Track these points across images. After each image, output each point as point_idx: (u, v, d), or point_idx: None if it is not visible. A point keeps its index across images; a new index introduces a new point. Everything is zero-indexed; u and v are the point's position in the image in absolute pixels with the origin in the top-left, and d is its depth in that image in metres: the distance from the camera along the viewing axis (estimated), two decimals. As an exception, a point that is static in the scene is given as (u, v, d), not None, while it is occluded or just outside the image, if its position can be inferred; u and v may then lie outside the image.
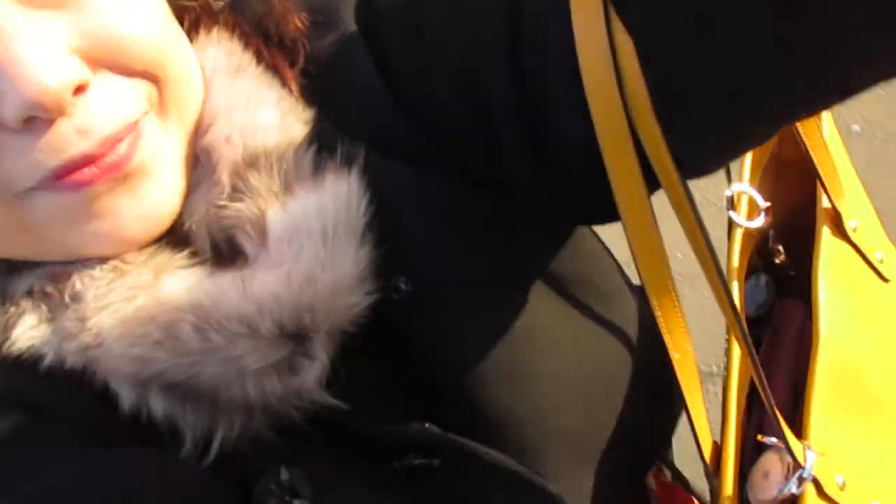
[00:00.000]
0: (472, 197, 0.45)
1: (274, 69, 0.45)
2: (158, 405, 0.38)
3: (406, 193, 0.44)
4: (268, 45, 0.46)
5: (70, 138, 0.35)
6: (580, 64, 0.37)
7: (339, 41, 0.46)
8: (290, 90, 0.45)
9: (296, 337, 0.38)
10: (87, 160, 0.35)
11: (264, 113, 0.42)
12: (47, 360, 0.38)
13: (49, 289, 0.39)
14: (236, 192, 0.41)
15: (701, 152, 0.39)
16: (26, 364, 0.38)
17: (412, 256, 0.43)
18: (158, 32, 0.39)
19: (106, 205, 0.37)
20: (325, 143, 0.43)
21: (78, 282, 0.39)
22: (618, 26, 0.35)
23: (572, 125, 0.39)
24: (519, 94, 0.40)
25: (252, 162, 0.41)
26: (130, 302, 0.38)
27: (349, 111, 0.45)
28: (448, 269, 0.44)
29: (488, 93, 0.41)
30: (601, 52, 0.36)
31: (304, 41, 0.46)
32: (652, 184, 0.38)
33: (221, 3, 0.48)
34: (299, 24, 0.46)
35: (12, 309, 0.39)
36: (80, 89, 0.34)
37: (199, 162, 0.42)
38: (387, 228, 0.42)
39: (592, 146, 0.38)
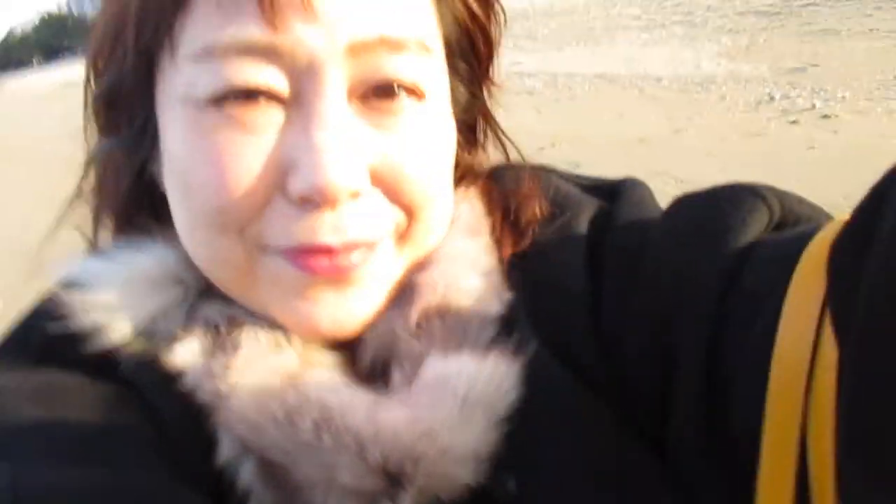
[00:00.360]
0: (619, 434, 0.45)
1: (498, 243, 0.50)
2: (247, 473, 0.41)
3: (557, 403, 0.45)
4: (504, 219, 0.52)
5: (325, 229, 0.41)
6: (774, 362, 0.37)
7: (565, 238, 0.50)
8: (503, 265, 0.49)
9: (393, 478, 0.40)
10: (327, 251, 0.41)
11: (473, 278, 0.48)
12: (185, 384, 0.43)
13: (222, 329, 0.44)
14: (417, 329, 0.46)
15: (871, 496, 0.34)
16: (168, 376, 0.43)
17: (535, 466, 0.43)
18: (439, 176, 0.45)
19: (315, 293, 0.43)
20: (508, 323, 0.47)
21: (245, 335, 0.44)
22: (827, 338, 0.35)
23: (750, 418, 0.38)
24: (706, 372, 0.41)
25: (443, 313, 0.46)
26: (273, 375, 0.43)
27: (545, 303, 0.48)
28: (562, 494, 0.43)
29: (677, 362, 0.42)
30: (800, 360, 0.36)
31: (535, 228, 0.51)
32: None
33: (485, 167, 0.55)
34: (537, 212, 0.51)
35: (188, 329, 0.44)
36: (354, 195, 0.41)
37: (403, 291, 0.47)
38: (524, 426, 0.43)
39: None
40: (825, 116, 5.23)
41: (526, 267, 0.49)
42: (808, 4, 9.01)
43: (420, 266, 0.47)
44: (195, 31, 0.41)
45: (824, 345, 0.35)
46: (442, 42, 0.47)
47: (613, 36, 10.24)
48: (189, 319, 0.45)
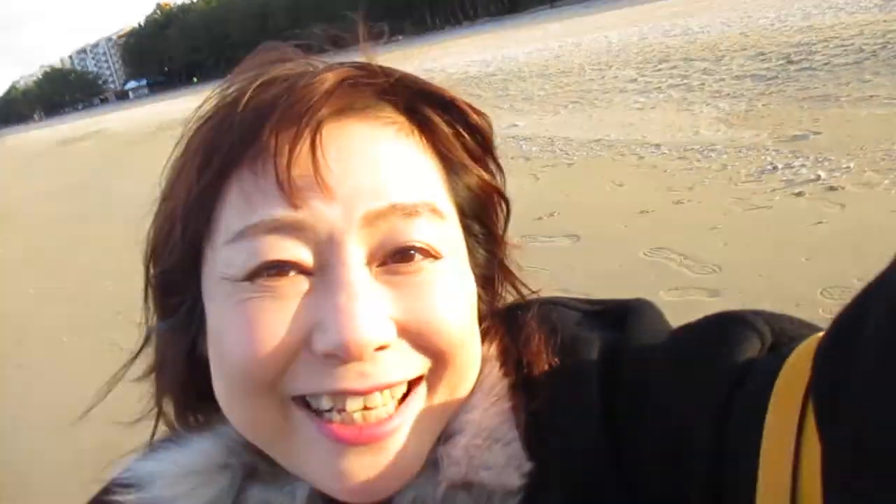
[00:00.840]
0: None
1: (515, 408, 0.52)
2: None
3: None
4: (518, 382, 0.53)
5: (351, 375, 0.44)
6: (760, 477, 0.39)
7: (576, 389, 0.51)
8: (521, 428, 0.51)
9: None
10: (354, 393, 0.45)
11: (495, 452, 0.49)
12: None
13: None
14: (443, 502, 0.48)
15: None
16: None
17: None
18: (465, 325, 0.48)
19: (347, 462, 0.46)
20: (530, 494, 0.49)
21: None
22: (810, 436, 0.37)
23: None
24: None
25: (467, 486, 0.49)
26: None
27: (565, 463, 0.49)
28: None
29: (688, 496, 0.44)
30: (783, 473, 0.38)
31: (544, 386, 0.52)
32: None
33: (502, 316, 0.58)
34: (547, 366, 0.53)
35: None
36: (380, 348, 0.45)
37: (432, 461, 0.49)
38: None
39: None
40: (831, 188, 5.06)
41: (542, 423, 0.51)
42: (805, 69, 8.97)
43: (447, 435, 0.50)
44: (229, 220, 0.47)
45: (807, 443, 0.37)
46: (455, 207, 0.52)
47: (610, 99, 10.19)
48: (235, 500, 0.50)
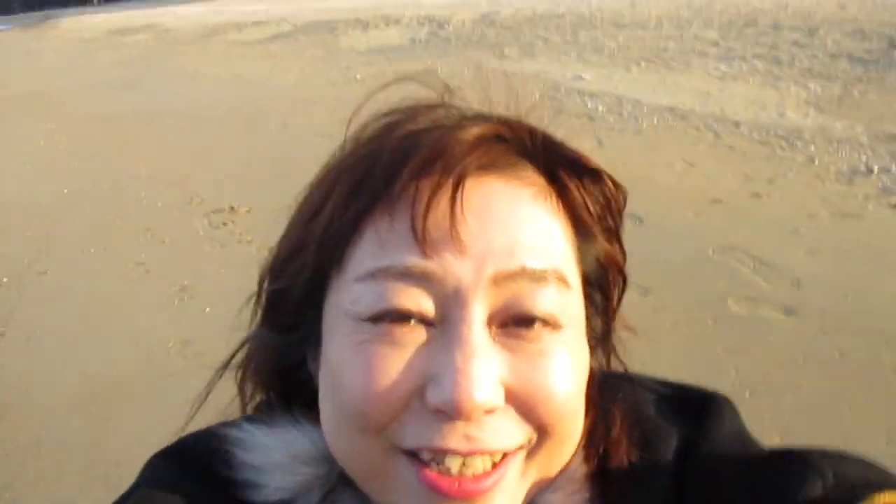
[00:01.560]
0: None
1: (590, 500, 0.54)
2: None
3: None
4: (594, 468, 0.55)
5: (456, 436, 0.45)
6: None
7: (651, 478, 0.54)
8: None
9: None
10: (456, 453, 0.46)
11: None
12: None
13: None
14: None
15: None
16: None
17: None
18: (574, 400, 0.49)
19: None
20: None
21: None
22: None
23: None
24: None
25: None
26: None
27: None
28: None
29: None
30: None
31: (621, 478, 0.54)
32: None
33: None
34: (625, 460, 0.55)
35: None
36: (489, 412, 0.46)
37: None
38: None
39: None
40: (934, 205, 4.54)
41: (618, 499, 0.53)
42: (911, 56, 8.18)
43: None
44: (362, 258, 0.49)
45: None
46: (580, 277, 0.53)
47: (688, 61, 9.48)
48: (325, 501, 0.52)
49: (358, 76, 12.10)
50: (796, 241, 4.34)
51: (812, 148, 5.78)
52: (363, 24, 20.08)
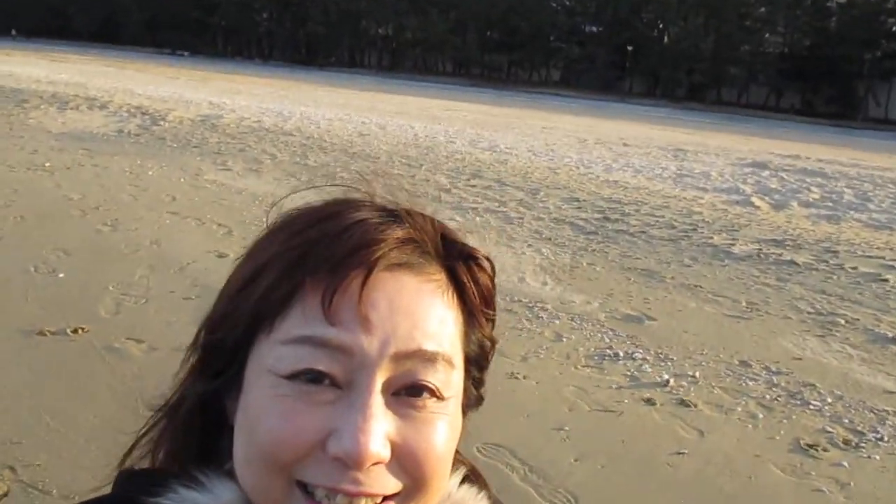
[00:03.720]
0: None
1: None
2: None
3: None
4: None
5: (347, 479, 0.55)
6: None
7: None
8: None
9: None
10: (346, 493, 0.55)
11: None
12: None
13: None
14: None
15: None
16: None
17: None
18: (445, 460, 0.59)
19: None
20: None
21: None
22: None
23: None
24: None
25: None
26: None
27: None
28: None
29: None
30: None
31: None
32: None
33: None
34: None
35: None
36: (376, 463, 0.55)
37: None
38: None
39: None
40: (683, 403, 4.43)
41: None
42: (623, 231, 8.82)
43: None
44: (289, 326, 0.57)
45: None
46: (463, 356, 0.63)
47: (423, 206, 9.32)
48: None
49: (47, 164, 10.16)
50: (564, 441, 3.88)
51: (557, 322, 5.61)
52: (61, 102, 17.63)
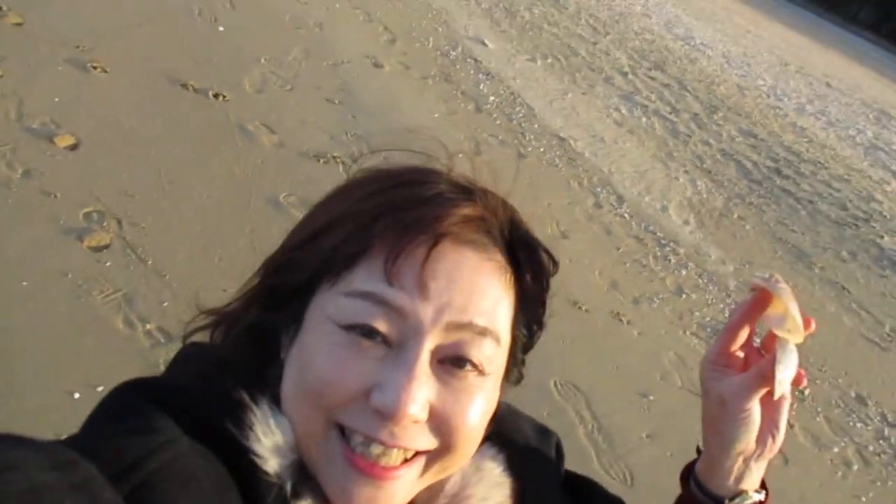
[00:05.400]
0: None
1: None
2: None
3: None
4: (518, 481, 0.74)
5: (385, 431, 0.59)
6: None
7: (545, 459, 0.80)
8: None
9: None
10: (382, 443, 0.59)
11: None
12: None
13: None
14: None
15: None
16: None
17: None
18: (478, 429, 0.64)
19: (357, 485, 0.60)
20: None
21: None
22: None
23: None
24: None
25: None
26: None
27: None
28: None
29: None
30: None
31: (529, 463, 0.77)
32: None
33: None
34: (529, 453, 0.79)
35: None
36: (414, 422, 0.59)
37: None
38: None
39: None
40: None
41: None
42: (789, 192, 7.92)
43: (436, 491, 0.69)
44: (353, 279, 0.61)
45: None
46: (511, 338, 0.67)
47: (593, 83, 8.60)
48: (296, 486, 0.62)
49: None
50: (642, 412, 3.62)
51: (684, 272, 5.17)
52: None
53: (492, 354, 0.63)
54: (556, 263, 0.71)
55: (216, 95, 4.58)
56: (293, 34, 6.04)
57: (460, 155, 0.70)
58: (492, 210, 0.65)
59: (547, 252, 0.69)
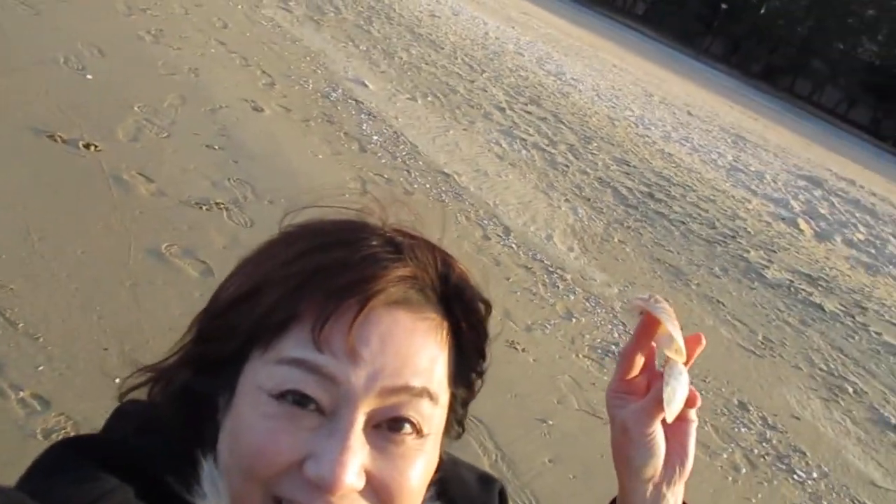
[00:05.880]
0: None
1: None
2: None
3: None
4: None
5: (321, 501, 0.56)
6: None
7: None
8: None
9: None
10: None
11: None
12: None
13: None
14: None
15: None
16: None
17: None
18: (418, 494, 0.62)
19: None
20: None
21: None
22: None
23: None
24: None
25: None
26: None
27: None
28: None
29: None
30: None
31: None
32: None
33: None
34: None
35: None
36: (350, 492, 0.57)
37: None
38: None
39: None
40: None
41: None
42: (662, 214, 8.39)
43: None
44: (283, 346, 0.60)
45: None
46: (449, 395, 0.65)
47: (473, 119, 8.83)
48: None
49: None
50: (542, 438, 3.69)
51: (572, 297, 5.34)
52: None
53: (430, 414, 0.61)
54: (489, 307, 0.69)
55: (87, 146, 4.37)
56: (167, 80, 5.88)
57: (392, 203, 0.69)
58: (423, 267, 0.64)
59: (481, 298, 0.68)
